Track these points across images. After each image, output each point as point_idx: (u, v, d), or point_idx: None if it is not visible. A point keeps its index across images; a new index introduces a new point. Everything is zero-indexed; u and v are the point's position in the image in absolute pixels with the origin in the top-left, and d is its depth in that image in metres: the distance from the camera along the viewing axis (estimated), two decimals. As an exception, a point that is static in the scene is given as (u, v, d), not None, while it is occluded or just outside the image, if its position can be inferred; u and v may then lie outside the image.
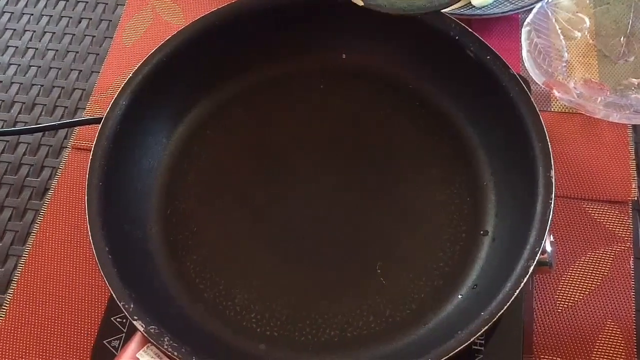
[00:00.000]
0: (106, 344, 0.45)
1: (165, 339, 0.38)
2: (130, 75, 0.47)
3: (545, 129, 0.43)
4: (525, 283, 0.39)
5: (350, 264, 0.46)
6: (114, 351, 0.44)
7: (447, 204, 0.48)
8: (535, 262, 0.39)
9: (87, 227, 0.42)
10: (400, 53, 0.51)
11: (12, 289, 0.51)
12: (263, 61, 0.53)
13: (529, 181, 0.42)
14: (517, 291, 0.38)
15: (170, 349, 0.38)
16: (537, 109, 0.44)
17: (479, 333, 0.38)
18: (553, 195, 0.41)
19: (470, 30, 0.47)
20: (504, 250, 0.44)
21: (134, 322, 0.39)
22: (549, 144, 0.42)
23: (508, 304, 0.38)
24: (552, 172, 0.41)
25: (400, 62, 0.51)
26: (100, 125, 0.45)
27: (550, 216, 0.40)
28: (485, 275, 0.44)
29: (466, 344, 0.38)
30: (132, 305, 0.39)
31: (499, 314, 0.38)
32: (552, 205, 0.40)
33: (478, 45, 0.46)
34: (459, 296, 0.44)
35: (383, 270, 0.45)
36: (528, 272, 0.39)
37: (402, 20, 0.48)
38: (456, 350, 0.37)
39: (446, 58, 0.48)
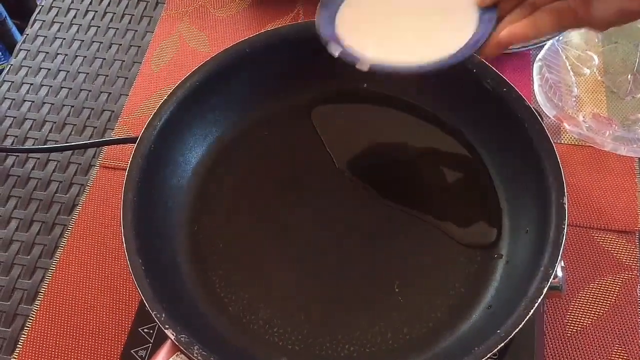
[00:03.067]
0: (133, 353, 0.47)
1: (195, 348, 0.40)
2: (165, 98, 0.50)
3: (558, 158, 0.45)
4: (539, 303, 0.40)
5: (370, 283, 0.48)
6: (141, 360, 0.46)
7: (463, 227, 0.50)
8: (548, 284, 0.41)
9: (121, 239, 0.44)
10: (420, 83, 0.54)
11: (39, 300, 0.53)
12: (290, 88, 0.55)
13: (542, 207, 0.44)
14: (532, 311, 0.40)
15: (199, 357, 0.40)
16: (550, 139, 0.46)
17: (495, 349, 0.39)
18: (566, 220, 0.43)
19: (487, 63, 0.50)
20: (517, 273, 0.45)
21: (166, 331, 0.40)
22: (562, 171, 0.44)
23: (523, 322, 0.40)
24: (565, 199, 0.43)
25: (419, 92, 0.54)
26: (135, 144, 0.48)
27: (564, 240, 0.42)
28: (499, 296, 0.46)
29: (482, 360, 0.39)
30: (163, 315, 0.41)
31: (514, 332, 0.40)
32: (565, 229, 0.42)
33: (495, 77, 0.49)
34: (474, 316, 0.46)
35: (401, 289, 0.47)
36: (542, 292, 0.41)
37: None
38: (473, 366, 0.39)
39: (464, 89, 0.51)
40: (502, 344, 0.40)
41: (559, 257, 0.42)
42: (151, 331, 0.47)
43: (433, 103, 0.54)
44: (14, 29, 1.16)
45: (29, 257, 0.56)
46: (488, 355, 0.39)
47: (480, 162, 0.52)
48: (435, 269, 0.48)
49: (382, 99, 0.55)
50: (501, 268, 0.47)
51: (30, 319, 0.53)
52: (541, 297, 0.40)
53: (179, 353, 0.41)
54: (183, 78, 0.51)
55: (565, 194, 0.44)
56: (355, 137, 0.54)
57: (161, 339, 0.42)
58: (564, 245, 0.42)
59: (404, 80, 0.54)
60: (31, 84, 0.67)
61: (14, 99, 0.66)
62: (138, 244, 0.44)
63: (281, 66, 0.55)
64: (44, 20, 0.71)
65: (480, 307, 0.46)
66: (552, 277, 0.41)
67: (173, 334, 0.40)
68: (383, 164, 0.53)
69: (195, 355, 0.40)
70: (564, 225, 0.43)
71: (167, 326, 0.40)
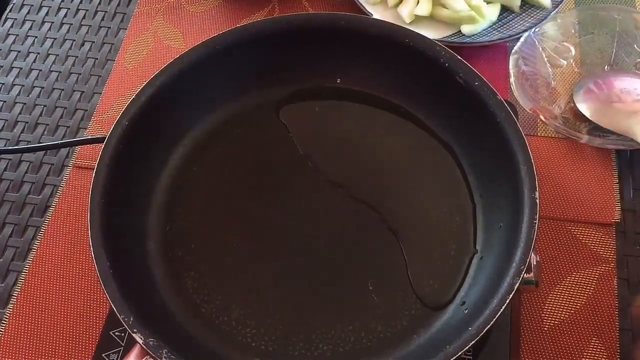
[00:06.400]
0: (105, 357, 0.46)
1: (164, 352, 0.39)
2: (134, 96, 0.49)
3: (530, 152, 0.45)
4: (510, 299, 0.40)
5: (343, 282, 0.48)
6: (112, 364, 0.46)
7: (437, 223, 0.49)
8: (520, 280, 0.41)
9: (89, 242, 0.43)
10: (394, 78, 0.53)
11: (12, 303, 0.53)
12: (261, 84, 0.55)
13: (515, 202, 0.44)
14: (503, 307, 0.40)
15: (168, 361, 0.39)
16: (522, 133, 0.45)
17: (466, 347, 0.39)
18: (537, 215, 0.42)
19: (459, 57, 0.49)
20: (491, 268, 0.45)
21: (134, 335, 0.40)
22: (534, 166, 0.44)
23: (494, 319, 0.39)
24: (537, 194, 0.43)
25: (393, 87, 0.54)
26: (103, 144, 0.47)
27: (535, 235, 0.42)
28: (473, 292, 0.45)
29: (454, 358, 0.39)
30: (131, 319, 0.40)
31: (485, 329, 0.39)
32: (537, 225, 0.42)
33: (467, 71, 0.48)
34: (448, 313, 0.45)
35: (375, 288, 0.47)
36: (514, 288, 0.40)
37: (394, 48, 0.50)
38: (445, 364, 0.39)
39: (437, 84, 0.50)
40: (474, 341, 0.39)
41: (531, 252, 0.41)
42: (122, 334, 0.47)
43: (406, 99, 0.53)
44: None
45: (1, 260, 0.56)
46: (460, 353, 0.39)
47: (454, 157, 0.51)
48: (408, 266, 0.48)
49: (355, 95, 0.54)
50: (475, 264, 0.47)
51: (3, 323, 0.52)
52: (512, 292, 0.40)
53: (148, 357, 0.40)
54: (152, 76, 0.50)
55: (537, 188, 0.43)
56: (327, 134, 0.54)
57: (132, 342, 0.42)
58: (536, 239, 0.42)
59: (377, 75, 0.53)
60: (3, 84, 0.66)
61: (-15, 100, 0.65)
62: (106, 246, 0.43)
63: (254, 62, 0.54)
64: (15, 19, 0.70)
65: (453, 303, 0.46)
66: (524, 272, 0.41)
67: (141, 338, 0.40)
68: (356, 162, 0.53)
69: (164, 359, 0.39)
70: (536, 220, 0.42)
71: (135, 330, 0.40)
